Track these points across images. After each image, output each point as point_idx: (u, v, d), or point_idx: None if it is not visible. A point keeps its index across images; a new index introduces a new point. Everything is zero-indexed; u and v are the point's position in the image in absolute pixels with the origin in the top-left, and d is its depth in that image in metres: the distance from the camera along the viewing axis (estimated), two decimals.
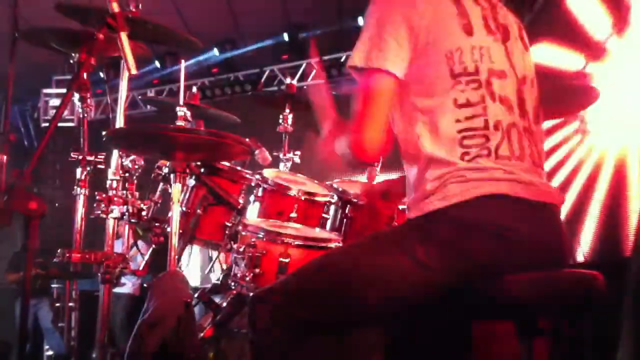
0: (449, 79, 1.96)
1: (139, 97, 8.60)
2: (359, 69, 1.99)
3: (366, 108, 1.97)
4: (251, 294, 2.38)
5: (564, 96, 3.17)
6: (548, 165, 2.13)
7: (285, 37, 8.22)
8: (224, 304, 3.07)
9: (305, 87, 8.10)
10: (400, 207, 3.12)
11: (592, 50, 5.17)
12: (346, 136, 2.02)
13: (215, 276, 3.93)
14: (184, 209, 3.29)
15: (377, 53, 1.97)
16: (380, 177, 3.66)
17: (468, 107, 1.95)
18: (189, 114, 3.17)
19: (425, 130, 1.98)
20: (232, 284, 2.96)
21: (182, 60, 3.32)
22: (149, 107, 8.88)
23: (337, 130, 2.14)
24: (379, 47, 1.97)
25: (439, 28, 1.99)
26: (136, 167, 3.04)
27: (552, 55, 5.38)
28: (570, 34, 5.37)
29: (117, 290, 3.33)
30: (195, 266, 5.63)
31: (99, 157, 2.97)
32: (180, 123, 3.09)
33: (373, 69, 1.97)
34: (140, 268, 3.30)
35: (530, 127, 2.05)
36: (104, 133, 2.80)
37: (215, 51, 8.67)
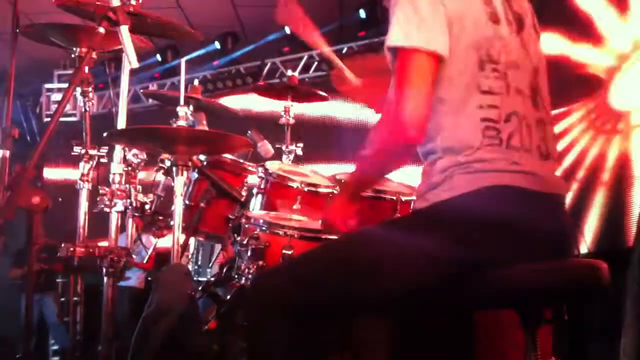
0: (474, 65, 1.95)
1: (141, 90, 8.57)
2: (397, 48, 1.93)
3: (408, 83, 1.90)
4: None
5: (569, 85, 3.17)
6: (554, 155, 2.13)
7: (287, 29, 8.21)
8: (228, 297, 3.07)
9: (306, 79, 8.09)
10: (404, 198, 3.12)
11: (596, 38, 5.15)
12: (381, 121, 1.98)
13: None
14: (187, 202, 3.29)
15: (417, 31, 1.91)
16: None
17: (490, 95, 1.95)
18: (189, 112, 3.16)
19: (442, 119, 1.97)
20: (236, 276, 2.97)
21: (183, 60, 3.30)
22: (150, 100, 8.87)
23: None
24: (418, 24, 1.92)
25: (469, 14, 1.97)
26: (139, 160, 3.04)
27: (556, 43, 5.37)
28: (574, 21, 5.36)
29: (121, 284, 3.33)
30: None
31: (101, 150, 2.97)
32: (180, 123, 3.09)
33: (414, 48, 1.91)
34: (145, 261, 3.31)
35: (542, 117, 2.05)
36: (105, 134, 2.81)
37: (217, 45, 8.65)
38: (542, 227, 1.94)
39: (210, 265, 4.08)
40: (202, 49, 8.57)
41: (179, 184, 2.86)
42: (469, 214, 1.89)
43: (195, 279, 3.95)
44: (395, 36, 1.94)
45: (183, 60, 3.21)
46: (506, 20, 2.04)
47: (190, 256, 4.18)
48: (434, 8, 1.93)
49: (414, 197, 2.11)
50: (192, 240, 4.27)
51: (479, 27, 1.98)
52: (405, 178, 3.11)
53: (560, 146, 5.30)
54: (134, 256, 3.03)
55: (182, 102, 3.02)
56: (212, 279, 3.42)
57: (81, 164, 2.97)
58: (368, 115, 7.37)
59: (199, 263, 4.18)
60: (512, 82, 2.00)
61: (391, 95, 1.95)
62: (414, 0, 1.95)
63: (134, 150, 3.07)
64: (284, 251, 2.73)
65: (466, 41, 1.96)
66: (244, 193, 3.38)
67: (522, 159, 1.96)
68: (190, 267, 4.08)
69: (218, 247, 4.05)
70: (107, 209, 2.96)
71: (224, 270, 3.31)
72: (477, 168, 1.91)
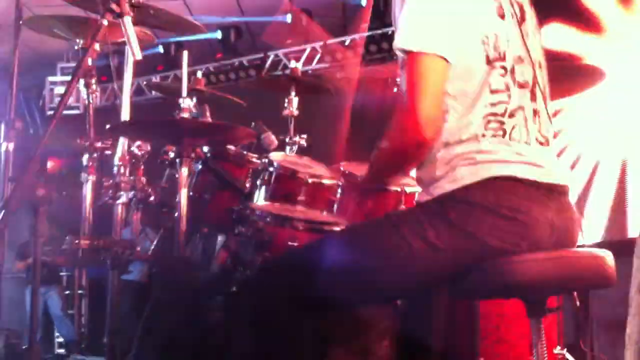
0: (484, 64, 1.95)
1: (144, 83, 8.57)
2: (407, 51, 1.93)
3: (418, 86, 1.90)
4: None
5: (568, 76, 3.16)
6: (556, 147, 2.13)
7: (288, 18, 8.20)
8: (233, 289, 3.07)
9: (309, 71, 8.07)
10: (408, 190, 3.12)
11: (596, 28, 5.14)
12: (394, 121, 1.98)
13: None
14: (191, 193, 3.28)
15: (425, 35, 1.92)
16: None
17: (497, 94, 1.95)
18: (192, 104, 3.16)
19: (450, 115, 1.96)
20: (240, 268, 2.96)
21: (185, 52, 3.30)
22: (154, 92, 8.86)
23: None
24: (426, 28, 1.92)
25: (477, 9, 1.97)
26: (143, 152, 3.04)
27: (555, 35, 5.36)
28: (573, 12, 5.34)
29: (125, 277, 3.34)
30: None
31: (105, 143, 2.97)
32: (184, 115, 3.08)
33: (425, 52, 1.90)
34: (149, 253, 3.31)
35: (537, 109, 2.05)
36: (108, 127, 2.81)
37: (219, 33, 8.63)
38: (547, 217, 1.94)
39: (211, 261, 4.08)
40: (205, 42, 8.55)
41: (183, 175, 2.85)
42: (473, 205, 1.88)
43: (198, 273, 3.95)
44: (405, 38, 1.94)
45: (185, 53, 3.21)
46: (510, 13, 2.03)
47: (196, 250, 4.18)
48: (443, 10, 1.94)
49: (419, 189, 2.10)
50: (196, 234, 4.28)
51: (487, 23, 1.97)
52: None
53: (563, 138, 5.29)
54: (138, 248, 3.03)
55: (184, 93, 3.02)
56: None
57: (85, 157, 2.97)
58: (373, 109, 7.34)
59: (202, 259, 4.18)
60: (517, 77, 2.00)
61: (403, 94, 1.94)
62: (423, 2, 1.95)
63: (138, 143, 3.06)
64: (288, 243, 2.73)
65: (476, 39, 1.95)
66: (247, 184, 3.37)
67: (524, 150, 1.96)
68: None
69: (219, 242, 4.03)
70: (111, 201, 2.97)
71: (229, 262, 3.31)
72: (481, 159, 1.92)
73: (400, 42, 1.95)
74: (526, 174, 1.92)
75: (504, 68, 1.97)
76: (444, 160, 1.95)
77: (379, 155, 2.08)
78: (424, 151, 1.95)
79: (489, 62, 1.96)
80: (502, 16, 2.00)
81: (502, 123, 1.95)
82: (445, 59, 1.91)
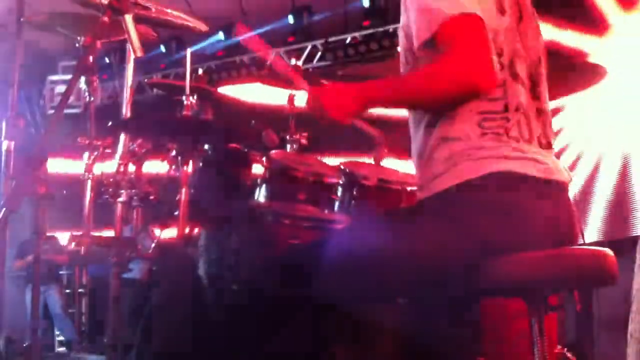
0: None
1: (146, 80, 8.57)
2: (449, 17, 1.84)
3: (469, 39, 1.83)
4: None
5: (570, 74, 3.16)
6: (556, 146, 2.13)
7: (291, 19, 8.20)
8: (234, 287, 3.07)
9: (311, 69, 8.07)
10: (409, 188, 3.12)
11: (598, 26, 5.13)
12: (442, 66, 1.86)
13: None
14: (192, 191, 3.28)
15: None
16: (388, 161, 3.64)
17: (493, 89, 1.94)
18: (194, 102, 3.15)
19: (447, 110, 1.95)
20: (242, 266, 2.96)
21: (188, 49, 3.29)
22: (155, 90, 8.86)
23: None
24: None
25: (482, 6, 1.94)
26: (143, 150, 3.04)
27: (556, 32, 5.35)
28: (575, 9, 5.34)
29: (125, 275, 3.34)
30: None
31: (106, 141, 2.97)
32: (185, 113, 3.08)
33: (467, 12, 1.84)
34: (150, 252, 3.31)
35: (541, 107, 2.05)
36: (109, 124, 2.81)
37: (221, 35, 8.63)
38: (548, 214, 1.94)
39: (214, 259, 4.07)
40: (206, 40, 8.55)
41: (184, 173, 2.85)
42: (473, 201, 1.88)
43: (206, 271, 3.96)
44: (438, 13, 1.85)
45: (189, 50, 3.21)
46: (510, 10, 2.03)
47: (200, 248, 4.18)
48: None
49: None
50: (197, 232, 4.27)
51: (488, 19, 1.96)
52: (411, 168, 3.11)
53: (564, 137, 5.29)
54: (139, 246, 3.03)
55: (187, 90, 3.02)
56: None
57: (85, 155, 2.97)
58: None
59: (203, 257, 4.18)
60: (515, 73, 1.99)
61: (450, 48, 1.85)
62: None
63: (139, 141, 3.06)
64: (289, 240, 2.73)
65: None
66: (248, 182, 3.37)
67: (525, 147, 1.96)
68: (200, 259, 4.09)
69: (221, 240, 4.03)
70: (111, 199, 2.97)
71: (230, 260, 3.31)
72: (481, 155, 1.91)
73: (442, 12, 1.86)
74: (526, 170, 1.91)
75: (500, 64, 1.96)
76: (444, 157, 1.95)
77: (427, 71, 1.94)
78: (474, 96, 1.88)
79: None
80: (503, 12, 2.00)
81: (502, 120, 1.94)
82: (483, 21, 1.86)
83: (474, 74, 1.83)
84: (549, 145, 2.05)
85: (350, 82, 2.05)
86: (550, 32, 5.22)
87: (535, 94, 2.04)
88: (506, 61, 1.98)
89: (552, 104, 2.15)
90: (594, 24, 5.23)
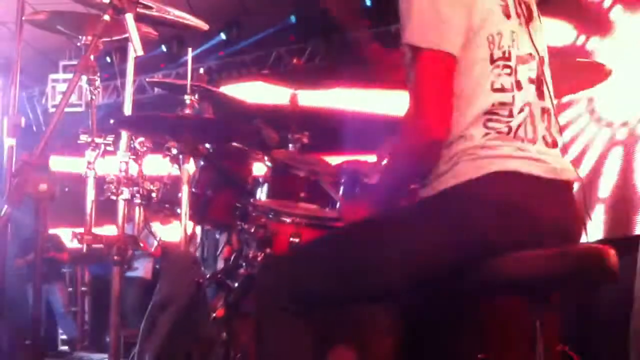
0: (488, 63, 1.95)
1: (147, 79, 8.57)
2: (416, 48, 1.93)
3: (428, 85, 1.92)
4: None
5: (573, 74, 3.16)
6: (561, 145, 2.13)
7: (292, 19, 8.20)
8: (235, 285, 3.07)
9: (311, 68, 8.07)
10: (411, 186, 3.12)
11: (599, 25, 5.13)
12: (405, 122, 1.98)
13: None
14: (193, 190, 3.28)
15: (435, 32, 1.91)
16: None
17: (501, 93, 1.95)
18: (195, 100, 3.15)
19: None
20: (243, 264, 2.97)
21: (190, 49, 3.30)
22: (156, 90, 8.87)
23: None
24: (437, 24, 1.91)
25: (485, 8, 1.96)
26: (145, 148, 3.05)
27: (558, 31, 5.35)
28: (575, 9, 5.33)
29: (128, 274, 3.35)
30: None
31: (107, 139, 2.98)
32: (187, 111, 3.08)
33: (432, 50, 1.91)
34: (153, 249, 3.31)
35: (546, 107, 2.05)
36: (111, 121, 2.81)
37: (222, 36, 8.64)
38: (550, 213, 1.94)
39: (215, 257, 4.08)
40: (207, 39, 8.55)
41: (186, 172, 2.86)
42: (475, 200, 1.89)
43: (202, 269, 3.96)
44: (414, 34, 1.94)
45: (190, 50, 3.21)
46: (516, 12, 2.03)
47: (197, 247, 4.19)
48: (452, 7, 1.93)
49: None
50: (198, 230, 4.28)
51: (493, 22, 1.97)
52: None
53: (567, 134, 5.28)
54: (142, 244, 3.03)
55: (188, 89, 3.02)
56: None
57: (87, 153, 2.97)
58: (376, 105, 7.34)
59: (205, 255, 4.19)
60: (523, 75, 1.99)
61: (411, 91, 1.95)
62: None
63: (140, 139, 3.07)
64: (291, 239, 2.73)
65: (480, 37, 1.96)
66: (250, 181, 3.37)
67: (529, 147, 1.96)
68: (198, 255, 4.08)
69: (223, 239, 4.04)
70: (113, 197, 2.97)
71: (232, 258, 3.31)
72: (483, 154, 1.92)
73: (409, 37, 1.95)
74: (529, 169, 1.92)
75: (508, 67, 1.97)
76: (447, 157, 1.95)
77: (392, 162, 2.08)
78: (437, 151, 1.95)
79: (493, 61, 1.96)
80: (508, 16, 2.00)
81: (507, 121, 1.94)
82: (453, 56, 1.91)
83: (428, 134, 1.91)
84: (554, 144, 2.05)
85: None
86: (553, 31, 5.22)
87: (540, 93, 2.04)
88: (513, 64, 1.98)
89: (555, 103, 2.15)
90: (597, 22, 5.22)
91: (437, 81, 1.91)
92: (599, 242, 4.86)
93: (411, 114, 1.97)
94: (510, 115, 1.95)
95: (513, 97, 1.97)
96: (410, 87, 1.98)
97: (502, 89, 1.95)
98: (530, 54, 2.04)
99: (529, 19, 2.07)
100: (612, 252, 1.95)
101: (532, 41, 2.06)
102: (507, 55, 1.97)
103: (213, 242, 4.16)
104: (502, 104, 1.95)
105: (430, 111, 1.90)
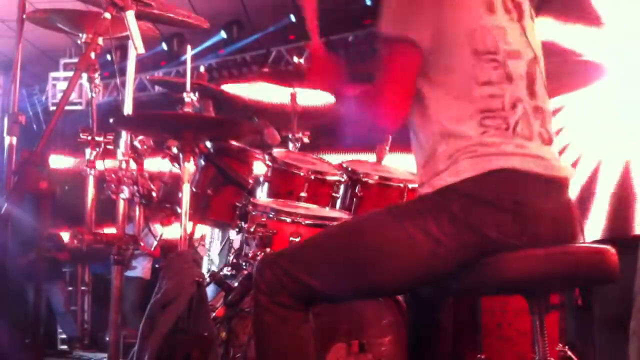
0: (470, 56, 1.95)
1: (147, 77, 8.58)
2: (385, 35, 1.99)
3: (392, 74, 1.99)
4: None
5: (569, 72, 3.16)
6: (557, 145, 2.12)
7: (292, 17, 8.20)
8: (235, 284, 3.07)
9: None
10: (411, 185, 3.12)
11: (594, 22, 5.12)
12: (368, 98, 2.02)
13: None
14: (193, 189, 3.28)
15: (403, 21, 1.97)
16: (389, 157, 3.65)
17: (488, 86, 1.95)
18: (196, 99, 3.15)
19: (440, 105, 1.97)
20: (243, 263, 2.97)
21: (189, 46, 3.29)
22: (157, 88, 8.87)
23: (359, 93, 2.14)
24: (405, 14, 1.98)
25: (463, 5, 1.98)
26: (145, 147, 3.04)
27: (553, 29, 5.34)
28: (571, 7, 5.32)
29: (128, 273, 3.34)
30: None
31: (107, 137, 2.97)
32: (187, 109, 3.08)
33: (399, 37, 1.96)
34: (153, 249, 3.31)
35: (539, 106, 2.04)
36: (111, 120, 2.81)
37: (223, 34, 8.64)
38: (549, 211, 1.93)
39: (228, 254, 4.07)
40: (208, 38, 8.55)
41: (186, 171, 2.85)
42: (475, 198, 1.88)
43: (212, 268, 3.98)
44: (384, 23, 1.99)
45: (189, 47, 3.21)
46: (504, 9, 2.03)
47: (207, 246, 4.20)
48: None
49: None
50: (208, 230, 4.29)
51: (473, 18, 1.98)
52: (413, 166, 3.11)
53: (565, 134, 5.27)
54: (142, 244, 3.03)
55: (188, 87, 3.02)
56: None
57: (87, 151, 2.97)
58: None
59: (218, 253, 4.18)
60: (513, 70, 1.99)
61: (380, 76, 2.00)
62: None
63: (140, 137, 3.06)
64: (291, 238, 2.74)
65: (461, 32, 1.96)
66: (250, 180, 3.38)
67: (526, 144, 1.96)
68: (207, 256, 4.10)
69: (237, 238, 4.02)
70: (113, 196, 2.97)
71: (232, 257, 3.31)
72: (482, 152, 1.91)
73: (381, 24, 2.00)
74: (529, 167, 1.91)
75: (495, 60, 1.97)
76: (446, 154, 1.95)
77: (359, 104, 2.14)
78: (388, 132, 2.04)
79: (477, 54, 1.96)
80: (492, 11, 2.01)
81: (502, 117, 1.94)
82: (419, 46, 1.95)
83: (382, 118, 2.01)
84: (550, 141, 2.05)
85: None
86: (548, 28, 5.20)
87: (532, 91, 2.04)
88: (502, 59, 1.98)
89: (550, 103, 2.14)
90: (591, 19, 5.21)
91: (399, 68, 1.98)
92: (599, 242, 4.86)
93: (373, 94, 2.03)
94: (503, 109, 1.95)
95: (503, 89, 1.96)
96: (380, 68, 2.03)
97: (489, 82, 1.95)
98: (521, 51, 2.04)
99: (520, 15, 2.08)
100: (612, 252, 1.95)
101: (525, 37, 2.06)
102: (492, 49, 1.97)
103: (225, 243, 4.15)
104: (492, 96, 1.95)
105: (389, 100, 1.98)
